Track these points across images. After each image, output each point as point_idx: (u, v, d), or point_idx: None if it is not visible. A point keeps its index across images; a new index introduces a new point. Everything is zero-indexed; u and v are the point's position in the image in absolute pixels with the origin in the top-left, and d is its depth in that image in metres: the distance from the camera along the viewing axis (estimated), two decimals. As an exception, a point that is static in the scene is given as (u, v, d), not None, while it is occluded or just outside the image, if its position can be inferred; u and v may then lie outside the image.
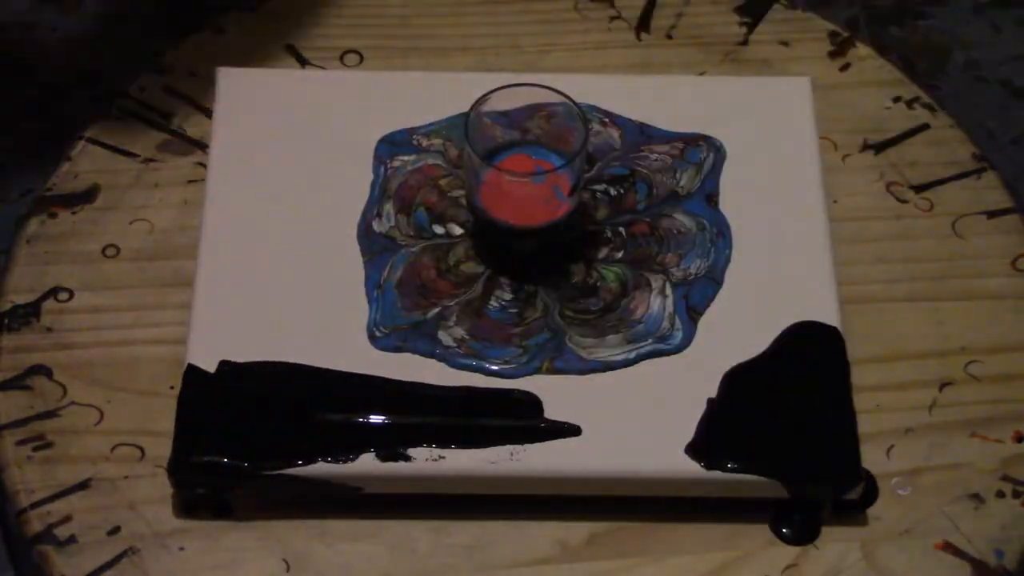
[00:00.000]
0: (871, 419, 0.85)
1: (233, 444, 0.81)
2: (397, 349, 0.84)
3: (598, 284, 0.87)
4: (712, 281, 0.87)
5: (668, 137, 0.93)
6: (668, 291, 0.87)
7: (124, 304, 0.88)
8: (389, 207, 0.90)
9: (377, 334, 0.84)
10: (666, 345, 0.84)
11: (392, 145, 0.92)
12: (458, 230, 0.89)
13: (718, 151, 0.92)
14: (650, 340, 0.85)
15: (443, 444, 0.81)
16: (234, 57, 0.98)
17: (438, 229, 0.89)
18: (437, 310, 0.86)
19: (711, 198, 0.90)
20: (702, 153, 0.92)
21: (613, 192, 0.91)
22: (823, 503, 0.82)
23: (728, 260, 0.88)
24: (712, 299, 0.86)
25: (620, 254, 0.88)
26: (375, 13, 1.01)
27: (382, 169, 0.91)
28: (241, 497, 0.82)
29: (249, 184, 0.90)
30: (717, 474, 0.80)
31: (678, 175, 0.91)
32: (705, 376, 0.83)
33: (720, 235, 0.89)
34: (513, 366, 0.84)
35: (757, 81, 0.96)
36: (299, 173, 0.91)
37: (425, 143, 0.92)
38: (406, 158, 0.91)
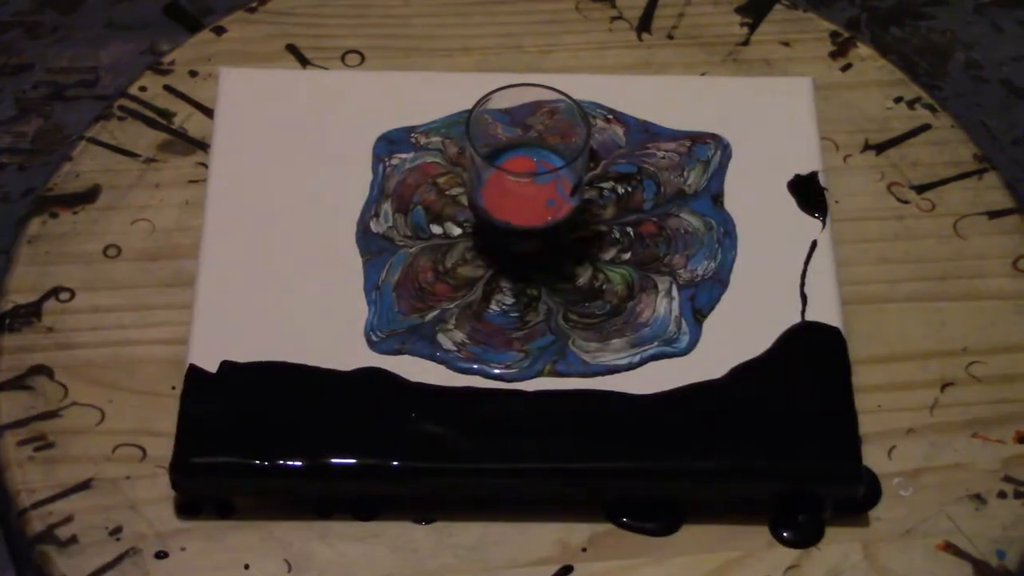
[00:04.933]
0: (873, 419, 0.84)
1: (234, 444, 0.80)
2: (396, 352, 0.84)
3: (604, 287, 0.87)
4: (719, 283, 0.87)
5: (675, 135, 0.93)
6: (675, 293, 0.86)
7: (125, 304, 0.88)
8: (387, 207, 0.89)
9: (374, 338, 0.84)
10: (672, 348, 0.84)
11: (390, 143, 0.92)
12: (456, 230, 0.89)
13: (725, 149, 0.92)
14: (656, 343, 0.84)
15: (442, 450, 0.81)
16: (235, 57, 0.98)
17: (436, 229, 0.89)
18: (435, 313, 0.85)
19: (716, 198, 0.90)
20: (710, 151, 0.92)
21: (620, 190, 0.90)
22: (825, 503, 0.82)
23: (734, 261, 0.88)
24: (718, 300, 0.86)
25: (628, 255, 0.88)
26: (377, 13, 1.01)
27: (381, 168, 0.91)
28: (242, 497, 0.82)
29: (251, 184, 0.90)
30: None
31: (686, 173, 0.91)
32: (707, 377, 0.83)
33: (727, 235, 0.88)
34: (515, 370, 0.83)
35: (758, 81, 0.96)
36: (301, 173, 0.90)
37: (423, 141, 0.92)
38: (404, 156, 0.91)
